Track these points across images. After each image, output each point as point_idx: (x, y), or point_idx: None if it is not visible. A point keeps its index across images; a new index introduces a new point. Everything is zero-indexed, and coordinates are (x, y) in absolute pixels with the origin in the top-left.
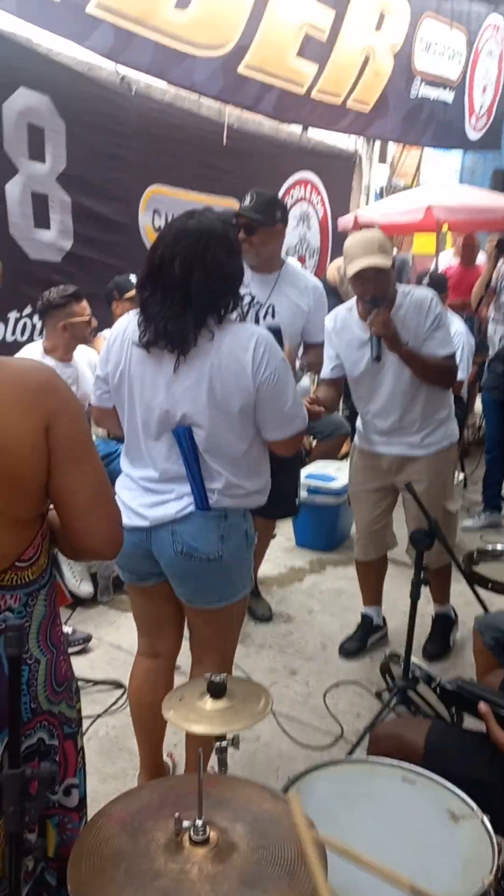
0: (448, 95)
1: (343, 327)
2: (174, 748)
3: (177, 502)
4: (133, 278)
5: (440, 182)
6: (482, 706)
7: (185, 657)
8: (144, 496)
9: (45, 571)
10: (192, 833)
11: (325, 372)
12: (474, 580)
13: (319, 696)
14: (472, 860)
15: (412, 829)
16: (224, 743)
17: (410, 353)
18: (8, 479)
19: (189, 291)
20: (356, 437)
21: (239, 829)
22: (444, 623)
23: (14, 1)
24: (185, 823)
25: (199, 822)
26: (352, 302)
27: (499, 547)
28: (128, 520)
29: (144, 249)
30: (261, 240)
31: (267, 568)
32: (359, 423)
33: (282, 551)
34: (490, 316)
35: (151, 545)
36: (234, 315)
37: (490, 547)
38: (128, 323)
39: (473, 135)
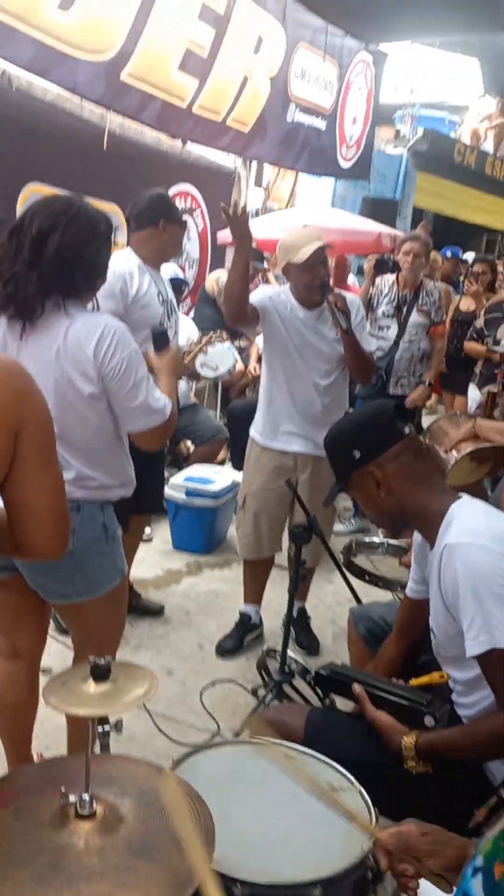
0: (321, 123)
1: (280, 299)
2: (46, 750)
3: None
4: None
5: (314, 206)
6: (356, 687)
7: (53, 659)
8: None
9: None
10: (78, 807)
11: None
12: (353, 572)
13: (196, 695)
14: (351, 829)
15: (294, 802)
16: (107, 727)
17: (353, 339)
18: None
19: (41, 255)
20: (258, 436)
21: (126, 803)
22: (307, 617)
23: None
24: (72, 798)
25: (85, 796)
26: (282, 288)
27: (375, 539)
28: None
29: None
30: None
31: (143, 570)
32: (262, 420)
33: (158, 554)
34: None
35: None
36: (90, 306)
37: (367, 539)
38: None
39: (344, 164)
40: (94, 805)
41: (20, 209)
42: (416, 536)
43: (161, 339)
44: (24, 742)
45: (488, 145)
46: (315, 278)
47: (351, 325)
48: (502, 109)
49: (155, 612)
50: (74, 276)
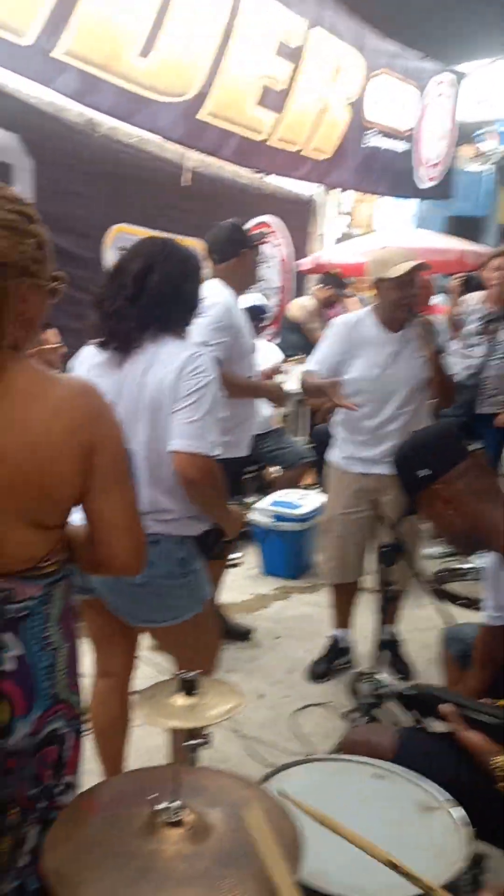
0: (400, 146)
1: (361, 327)
2: None
3: None
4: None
5: (396, 228)
6: (445, 706)
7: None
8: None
9: (65, 566)
10: (167, 815)
11: (319, 368)
12: (443, 598)
13: (287, 719)
14: (443, 850)
15: (384, 821)
16: (196, 741)
17: (440, 362)
18: (46, 494)
19: (142, 292)
20: (338, 459)
21: (215, 813)
22: (398, 641)
23: None
24: (161, 806)
25: (174, 804)
26: (362, 312)
27: (464, 566)
28: None
29: None
30: None
31: (232, 595)
32: (342, 444)
33: (247, 579)
34: (453, 348)
35: None
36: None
37: (456, 565)
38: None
39: (425, 184)
40: (184, 813)
41: (107, 249)
42: (488, 560)
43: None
44: (117, 761)
45: None
46: (405, 297)
47: (438, 346)
48: None
49: (242, 635)
50: (171, 311)
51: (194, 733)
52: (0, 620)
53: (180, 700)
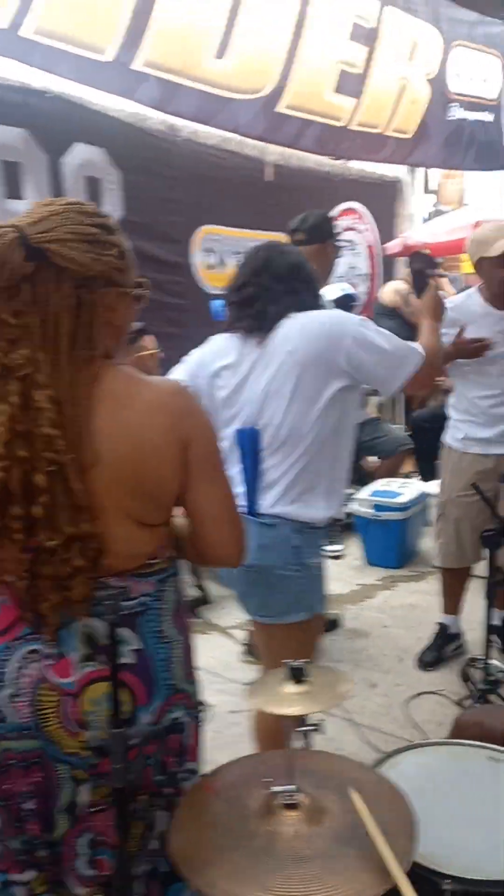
0: (488, 116)
1: (468, 308)
2: None
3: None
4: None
5: (485, 203)
6: None
7: None
8: None
9: (174, 563)
10: (283, 798)
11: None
12: None
13: (400, 707)
14: None
15: (499, 806)
16: (308, 727)
17: None
18: (149, 493)
19: (269, 278)
20: (456, 443)
21: (329, 795)
22: None
23: (68, 65)
24: (278, 788)
25: (289, 787)
26: (467, 293)
27: None
28: None
29: (198, 288)
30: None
31: (338, 587)
32: (457, 425)
33: (352, 570)
34: None
35: None
36: None
37: None
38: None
39: None
40: (299, 795)
41: (195, 252)
42: None
43: (422, 280)
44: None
45: None
46: None
47: None
48: None
49: (331, 624)
50: (300, 293)
51: (306, 720)
52: (117, 617)
53: (290, 688)
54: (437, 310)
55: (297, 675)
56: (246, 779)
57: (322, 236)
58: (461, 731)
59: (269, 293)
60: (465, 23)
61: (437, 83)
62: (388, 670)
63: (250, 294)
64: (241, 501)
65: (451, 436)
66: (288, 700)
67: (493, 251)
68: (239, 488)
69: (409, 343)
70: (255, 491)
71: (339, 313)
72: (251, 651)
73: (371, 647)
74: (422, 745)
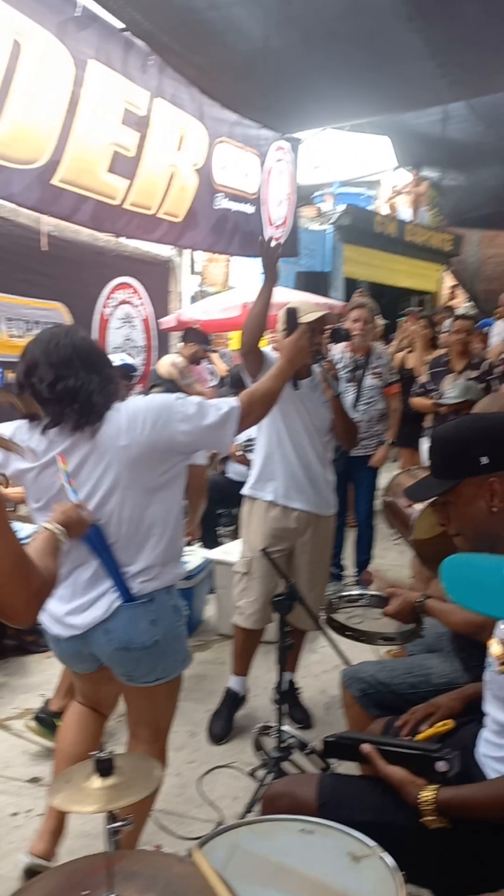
0: (248, 208)
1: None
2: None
3: (103, 601)
4: None
5: (248, 284)
6: (365, 746)
7: None
8: (69, 603)
9: None
10: None
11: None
12: (334, 628)
13: (193, 786)
14: None
15: (320, 876)
16: (118, 824)
17: (341, 404)
18: None
19: (80, 381)
20: (261, 492)
21: None
22: (297, 689)
23: None
24: None
25: None
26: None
27: (354, 592)
28: (62, 630)
29: None
30: None
31: None
32: (264, 480)
33: None
34: None
35: (91, 647)
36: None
37: (347, 592)
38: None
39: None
40: None
41: None
42: None
43: (291, 319)
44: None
45: (405, 214)
46: (315, 343)
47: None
48: (415, 181)
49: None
50: (113, 378)
51: (116, 815)
52: None
53: (97, 782)
54: (300, 356)
55: (105, 769)
56: (62, 891)
57: None
58: (272, 804)
59: (90, 385)
60: (227, 122)
61: (204, 174)
62: (181, 747)
63: (71, 388)
64: (114, 594)
65: (258, 489)
66: (95, 796)
67: (305, 319)
68: (106, 582)
69: (221, 403)
70: (122, 580)
71: (161, 399)
72: (44, 720)
73: None
74: (235, 826)
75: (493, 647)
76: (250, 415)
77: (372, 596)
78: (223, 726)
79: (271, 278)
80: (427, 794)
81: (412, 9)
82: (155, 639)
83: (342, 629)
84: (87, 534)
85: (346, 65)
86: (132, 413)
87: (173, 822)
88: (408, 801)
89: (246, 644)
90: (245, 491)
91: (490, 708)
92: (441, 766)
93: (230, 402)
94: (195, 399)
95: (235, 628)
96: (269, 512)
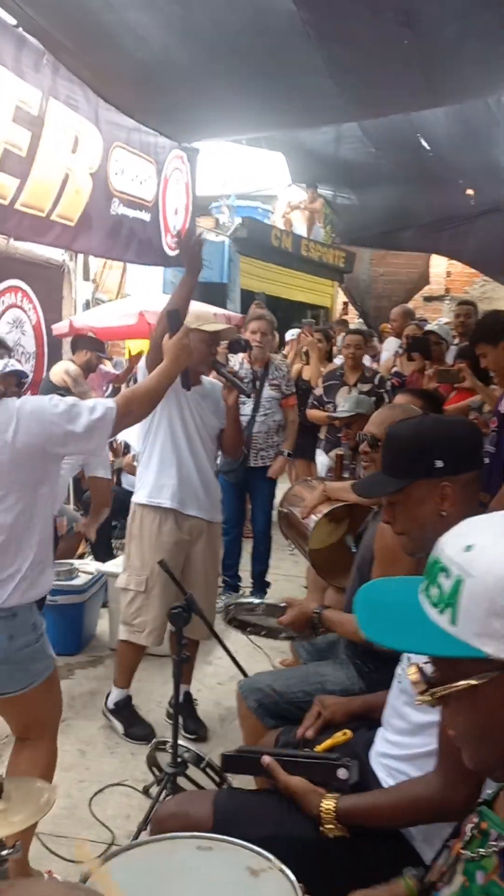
0: (145, 216)
1: None
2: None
3: None
4: None
5: (145, 293)
6: (265, 758)
7: None
8: None
9: None
10: None
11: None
12: (235, 626)
13: (85, 806)
14: None
15: (219, 893)
16: (6, 852)
17: (238, 412)
18: None
19: None
20: (157, 498)
21: None
22: (193, 702)
23: None
24: None
25: None
26: None
27: (253, 600)
28: None
29: None
30: None
31: None
32: (158, 485)
33: None
34: None
35: None
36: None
37: (244, 600)
38: None
39: (170, 252)
40: None
41: None
42: None
43: (174, 320)
44: None
45: (300, 229)
46: (214, 354)
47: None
48: (311, 197)
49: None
50: None
51: (4, 842)
52: None
53: None
54: (184, 354)
55: None
56: None
57: None
58: (162, 824)
59: None
60: (124, 127)
61: (99, 178)
62: (70, 767)
63: None
64: None
65: (153, 495)
66: None
67: (210, 328)
68: None
69: (96, 404)
70: None
71: (34, 402)
72: None
73: None
74: (130, 848)
75: (411, 673)
76: (129, 413)
77: (268, 605)
78: (142, 725)
79: (193, 271)
80: (328, 803)
81: (311, 28)
82: (6, 654)
83: (244, 625)
84: None
85: (246, 79)
86: (4, 417)
87: (62, 846)
88: (309, 811)
89: (136, 660)
90: (138, 499)
91: (390, 711)
92: (342, 773)
93: (105, 403)
94: (69, 400)
95: (126, 644)
96: (163, 525)
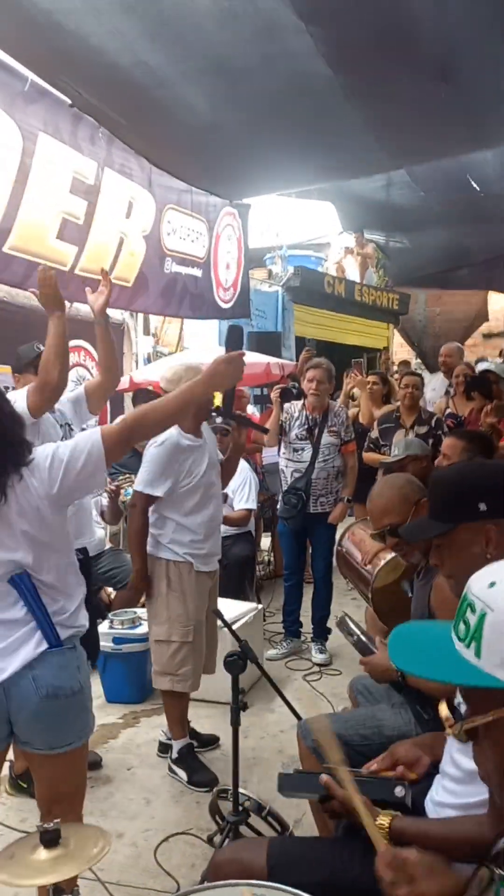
0: (197, 272)
1: (177, 440)
2: None
3: (27, 645)
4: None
5: (203, 346)
6: (323, 776)
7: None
8: None
9: None
10: None
11: (163, 490)
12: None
13: (150, 855)
14: None
15: None
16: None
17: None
18: None
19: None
20: (197, 559)
21: None
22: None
23: None
24: None
25: None
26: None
27: (354, 628)
28: None
29: None
30: None
31: None
32: (191, 544)
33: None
34: (282, 453)
35: (9, 701)
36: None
37: (349, 622)
38: None
39: (224, 305)
40: None
41: None
42: None
43: (235, 337)
44: None
45: (353, 275)
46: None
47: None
48: (360, 243)
49: (92, 765)
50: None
51: (62, 887)
52: None
53: (43, 854)
54: (222, 376)
55: (50, 840)
56: None
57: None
58: (217, 871)
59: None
60: (175, 190)
61: (153, 239)
62: (135, 816)
63: None
64: (43, 640)
65: (188, 553)
66: (41, 869)
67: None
68: (36, 631)
69: (86, 440)
70: (51, 625)
71: (49, 449)
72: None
73: (116, 792)
74: (184, 895)
75: (442, 710)
76: (139, 430)
77: (360, 640)
78: (204, 772)
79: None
80: (383, 820)
81: (349, 90)
82: (81, 684)
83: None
84: (19, 582)
85: (290, 138)
86: (39, 466)
87: (129, 895)
88: (364, 829)
89: (186, 708)
90: (175, 557)
91: (447, 760)
92: (399, 791)
93: (91, 439)
94: (69, 443)
95: (172, 695)
96: (199, 575)
